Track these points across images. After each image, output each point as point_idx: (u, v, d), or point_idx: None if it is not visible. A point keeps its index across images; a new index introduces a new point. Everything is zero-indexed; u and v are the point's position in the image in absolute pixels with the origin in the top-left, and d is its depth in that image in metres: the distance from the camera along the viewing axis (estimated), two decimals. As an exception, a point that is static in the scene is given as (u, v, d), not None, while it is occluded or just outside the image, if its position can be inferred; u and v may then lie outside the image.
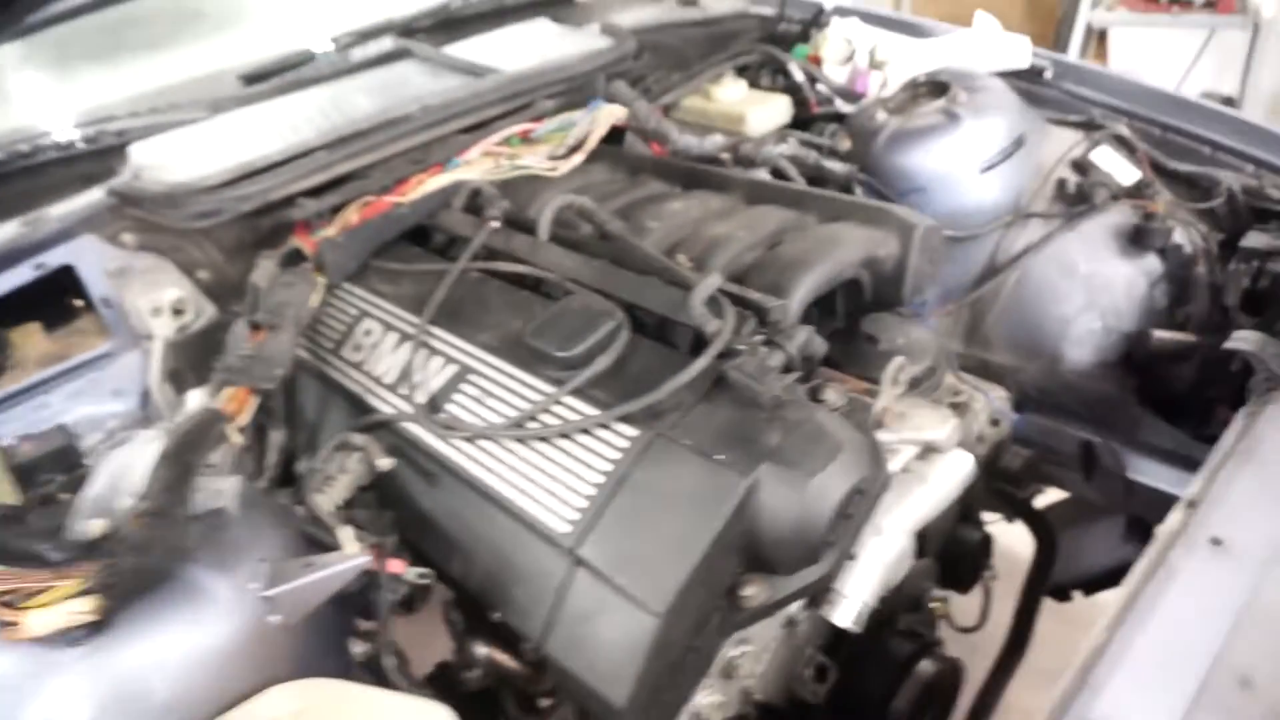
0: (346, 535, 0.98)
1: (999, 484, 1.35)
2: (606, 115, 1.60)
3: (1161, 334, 1.47)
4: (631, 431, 0.99)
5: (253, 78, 1.67)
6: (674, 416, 0.99)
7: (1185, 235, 1.59)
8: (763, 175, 1.56)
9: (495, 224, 1.39)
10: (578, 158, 1.55)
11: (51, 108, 1.64)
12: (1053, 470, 1.62)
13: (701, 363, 1.00)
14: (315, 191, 1.42)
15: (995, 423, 1.31)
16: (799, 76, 1.81)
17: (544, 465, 1.02)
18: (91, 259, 1.40)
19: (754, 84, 1.88)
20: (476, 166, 1.52)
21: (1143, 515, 1.59)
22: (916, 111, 1.68)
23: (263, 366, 1.16)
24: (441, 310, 1.27)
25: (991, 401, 1.30)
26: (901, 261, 1.25)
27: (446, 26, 1.92)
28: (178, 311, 1.45)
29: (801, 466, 0.92)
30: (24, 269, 1.36)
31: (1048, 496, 1.71)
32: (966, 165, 1.62)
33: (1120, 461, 1.54)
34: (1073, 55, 4.05)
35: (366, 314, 1.34)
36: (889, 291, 1.28)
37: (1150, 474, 1.52)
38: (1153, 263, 1.59)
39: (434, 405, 1.15)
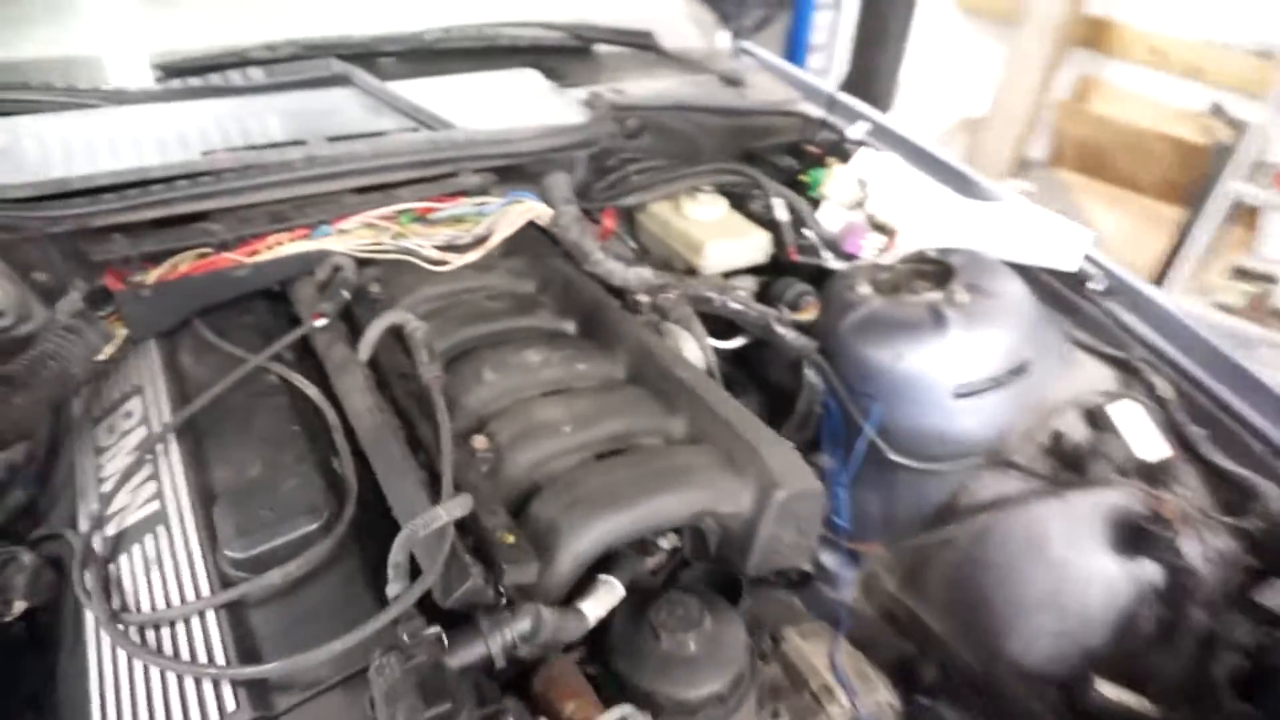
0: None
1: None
2: (519, 213, 1.34)
3: (1109, 690, 1.11)
4: (230, 702, 0.73)
5: (171, 70, 1.48)
6: (288, 698, 0.73)
7: (1199, 553, 1.22)
8: (674, 331, 1.27)
9: (323, 320, 1.16)
10: (471, 255, 1.30)
11: None
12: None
13: (356, 636, 0.73)
14: (155, 225, 1.22)
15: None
16: (781, 214, 1.50)
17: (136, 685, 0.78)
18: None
19: (741, 206, 1.57)
20: (351, 238, 1.29)
21: None
22: (903, 298, 1.36)
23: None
24: (202, 417, 1.04)
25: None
26: (751, 527, 0.94)
27: (421, 56, 1.68)
28: (-6, 314, 1.28)
29: None
30: None
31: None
32: (941, 383, 1.29)
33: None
34: (1208, 227, 3.52)
35: (139, 390, 1.12)
36: (733, 556, 0.98)
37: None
38: (1148, 572, 1.22)
39: (113, 547, 0.92)
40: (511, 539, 0.84)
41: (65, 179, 1.16)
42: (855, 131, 1.73)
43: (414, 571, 0.79)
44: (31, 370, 1.08)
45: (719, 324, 1.40)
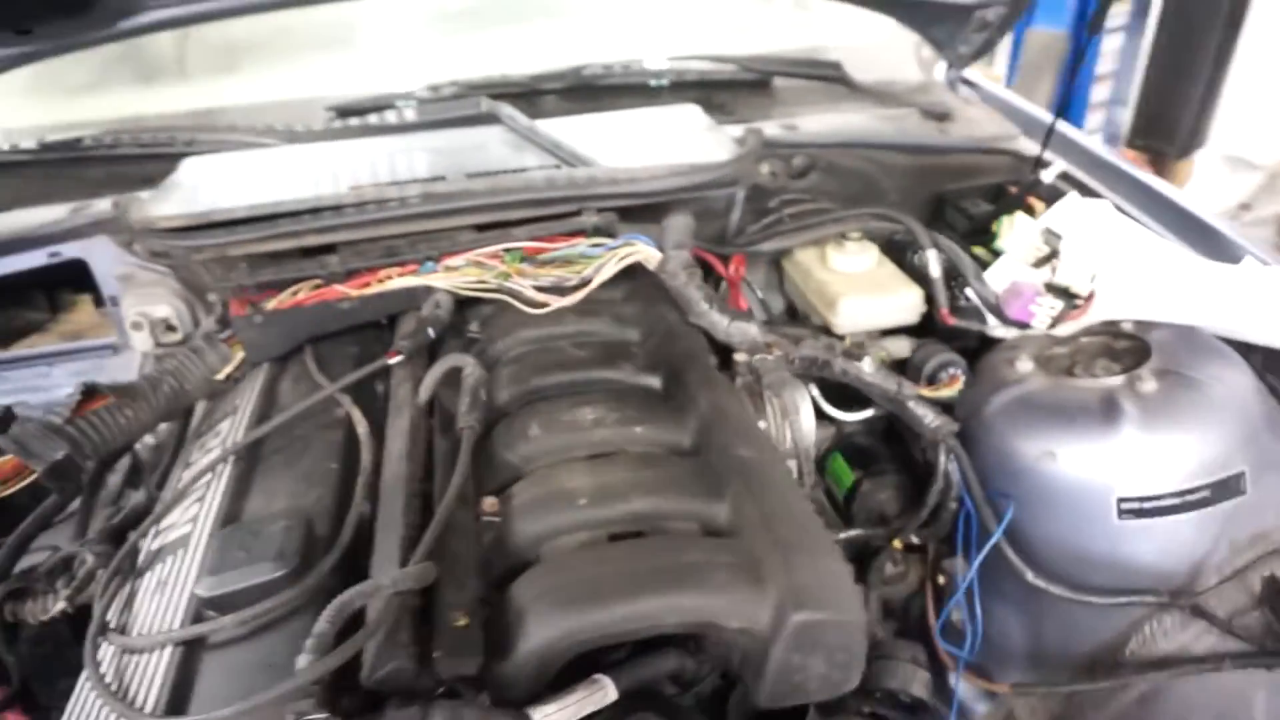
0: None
1: None
2: (623, 257, 1.25)
3: None
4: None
5: (343, 111, 1.58)
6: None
7: None
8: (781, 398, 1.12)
9: (398, 357, 1.15)
10: (568, 299, 1.24)
11: (157, 102, 1.71)
12: None
13: (239, 708, 0.68)
14: (281, 256, 1.29)
15: None
16: (933, 269, 1.26)
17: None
18: (103, 259, 1.43)
19: (900, 258, 1.36)
20: (456, 275, 1.28)
21: None
22: (1073, 381, 1.08)
23: (43, 443, 1.05)
24: (268, 444, 1.07)
25: None
26: (765, 649, 0.78)
27: (587, 93, 1.66)
28: (170, 328, 1.44)
29: None
30: (40, 254, 1.42)
31: None
32: (1104, 493, 1.01)
33: None
34: None
35: (234, 411, 1.18)
36: (749, 679, 0.82)
37: None
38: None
39: (146, 563, 0.96)
40: (463, 622, 0.76)
41: (208, 211, 1.26)
42: (1048, 175, 1.44)
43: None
44: (152, 385, 1.18)
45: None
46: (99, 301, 1.54)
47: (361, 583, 0.75)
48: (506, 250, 1.29)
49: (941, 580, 1.20)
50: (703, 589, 0.79)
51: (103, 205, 1.45)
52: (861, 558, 1.28)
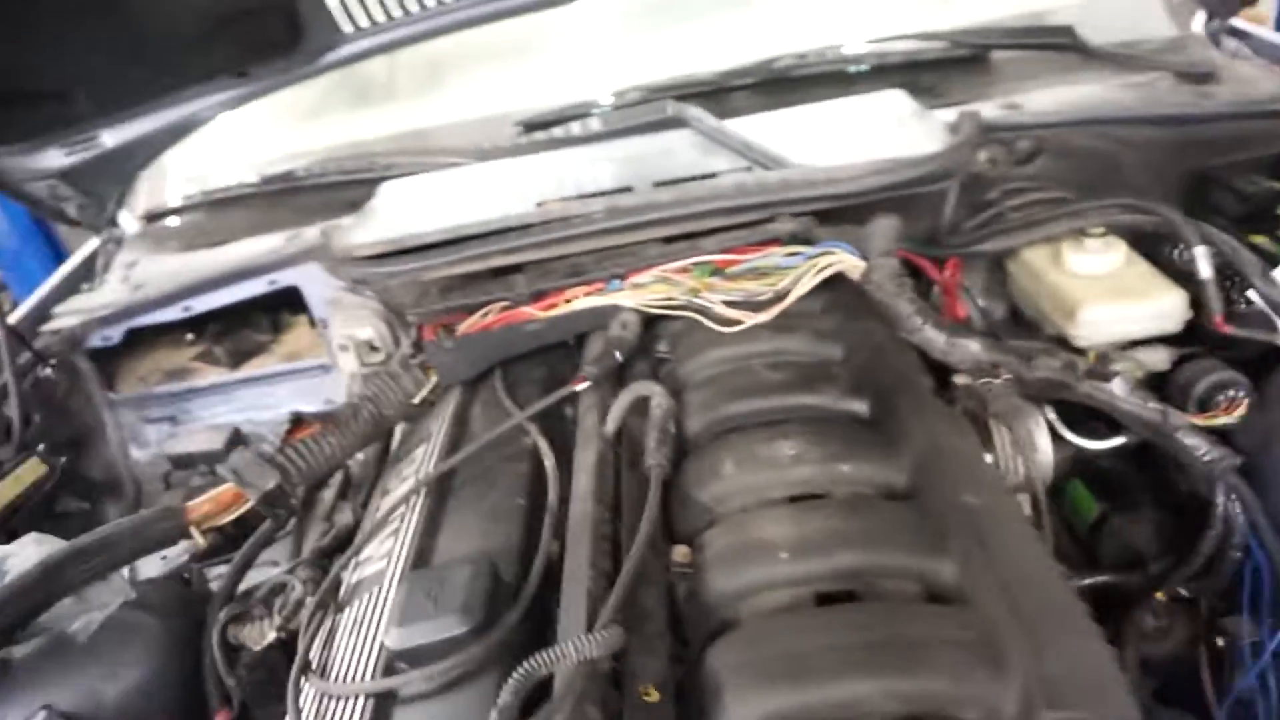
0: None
1: None
2: (823, 267, 1.14)
3: None
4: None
5: (531, 125, 1.56)
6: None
7: None
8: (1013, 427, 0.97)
9: (586, 383, 1.10)
10: (763, 315, 1.14)
11: (355, 131, 1.76)
12: None
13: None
14: (471, 279, 1.29)
15: None
16: (1204, 272, 1.04)
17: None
18: (314, 284, 1.49)
19: (1154, 254, 1.15)
20: (644, 293, 1.22)
21: None
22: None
23: (257, 472, 1.09)
24: (459, 474, 1.06)
25: None
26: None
27: (781, 87, 1.55)
28: (374, 349, 1.49)
29: None
30: (261, 281, 1.50)
31: None
32: None
33: None
34: None
35: (429, 438, 1.19)
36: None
37: None
38: None
39: (347, 597, 0.97)
40: (655, 696, 0.69)
41: (401, 237, 1.28)
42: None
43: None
44: (354, 411, 1.21)
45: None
46: (313, 322, 1.63)
47: (547, 648, 0.69)
48: (695, 264, 1.21)
49: (1221, 642, 1.00)
50: (929, 672, 0.67)
51: (312, 233, 1.52)
52: (1110, 605, 1.10)
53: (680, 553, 0.84)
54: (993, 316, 1.34)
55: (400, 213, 1.37)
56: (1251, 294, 1.04)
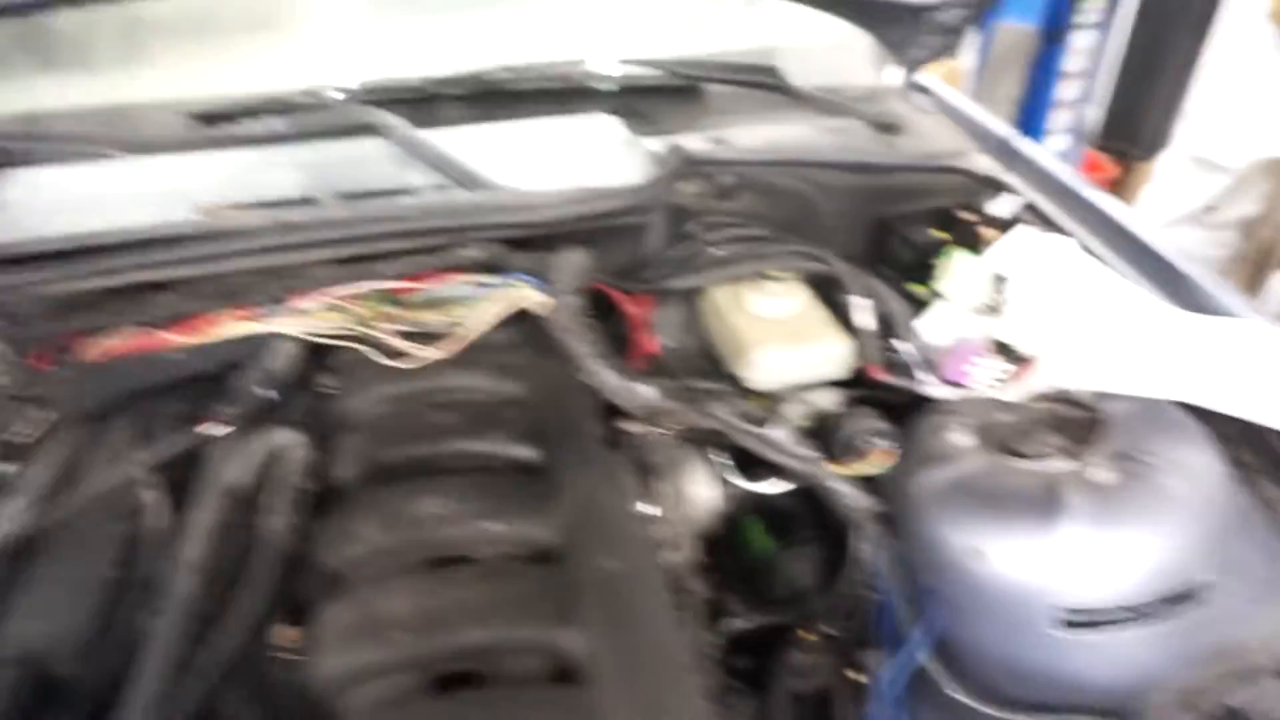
0: None
1: None
2: (506, 302, 1.08)
3: None
4: None
5: (205, 117, 1.38)
6: None
7: None
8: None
9: (213, 428, 0.97)
10: (434, 352, 1.06)
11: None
12: None
13: None
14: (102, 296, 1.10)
15: None
16: (860, 321, 1.10)
17: None
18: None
19: (834, 300, 1.19)
20: (309, 320, 1.10)
21: None
22: (1015, 462, 0.92)
23: None
24: (46, 535, 0.89)
25: None
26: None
27: (496, 99, 1.48)
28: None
29: None
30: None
31: None
32: (1044, 600, 0.85)
33: None
34: None
35: (17, 491, 0.99)
36: None
37: None
38: None
39: None
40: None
41: (14, 242, 1.07)
42: (1001, 208, 1.28)
43: None
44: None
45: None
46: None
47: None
48: (369, 291, 1.11)
49: (857, 677, 1.05)
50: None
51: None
52: (779, 642, 1.13)
53: (286, 635, 0.74)
54: (688, 353, 1.34)
55: (19, 211, 1.16)
56: (900, 344, 1.10)
